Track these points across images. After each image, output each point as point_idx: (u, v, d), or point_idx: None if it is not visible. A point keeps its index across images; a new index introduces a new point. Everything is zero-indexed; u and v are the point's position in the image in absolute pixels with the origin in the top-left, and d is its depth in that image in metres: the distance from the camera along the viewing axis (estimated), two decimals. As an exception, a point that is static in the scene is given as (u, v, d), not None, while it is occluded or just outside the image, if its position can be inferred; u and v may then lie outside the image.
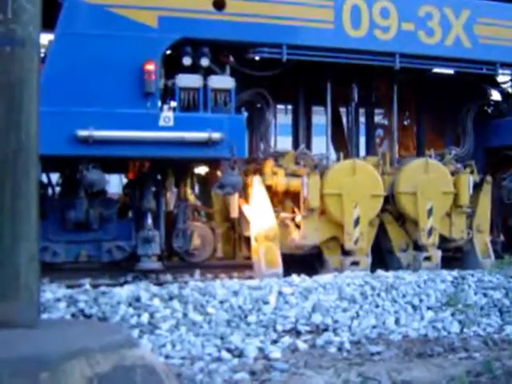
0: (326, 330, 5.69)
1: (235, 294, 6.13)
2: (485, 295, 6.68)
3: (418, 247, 8.50)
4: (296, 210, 8.31)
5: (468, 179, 8.65)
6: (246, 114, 7.95)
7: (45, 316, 5.23)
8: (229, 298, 6.02)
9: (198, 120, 7.29)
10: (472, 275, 7.16)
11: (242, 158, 7.63)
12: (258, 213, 8.07)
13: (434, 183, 8.42)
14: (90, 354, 3.12)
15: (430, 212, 8.34)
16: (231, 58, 7.82)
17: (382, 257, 8.71)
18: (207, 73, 7.50)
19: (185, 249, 8.14)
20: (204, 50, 7.45)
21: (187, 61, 7.37)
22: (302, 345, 5.33)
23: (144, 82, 7.07)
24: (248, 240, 8.52)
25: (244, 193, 8.25)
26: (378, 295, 6.48)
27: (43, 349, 3.12)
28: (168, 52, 7.42)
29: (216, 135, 7.17)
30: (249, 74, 7.85)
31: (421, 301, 6.48)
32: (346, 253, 8.13)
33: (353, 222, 7.99)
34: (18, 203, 3.39)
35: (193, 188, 8.71)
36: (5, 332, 3.35)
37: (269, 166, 8.29)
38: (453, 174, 8.68)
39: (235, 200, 8.27)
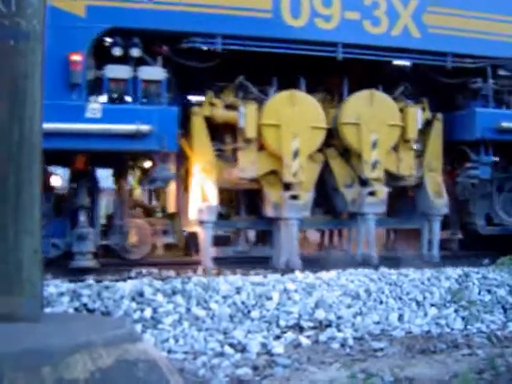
0: (329, 325, 5.68)
1: (238, 289, 6.13)
2: (489, 292, 6.67)
3: (364, 183, 8.25)
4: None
5: (416, 113, 8.40)
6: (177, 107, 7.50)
7: (48, 310, 5.23)
8: (232, 294, 6.02)
9: (126, 112, 7.10)
10: (477, 272, 7.15)
11: (173, 151, 7.39)
12: (195, 147, 7.86)
13: (380, 115, 8.14)
14: (93, 347, 3.12)
15: (374, 144, 8.07)
16: (166, 49, 7.55)
17: (328, 195, 8.52)
18: (142, 64, 7.31)
19: (121, 246, 7.94)
20: (135, 41, 7.24)
21: (117, 51, 7.18)
22: (304, 340, 5.33)
23: (70, 73, 6.87)
24: (190, 236, 8.40)
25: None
26: (382, 292, 6.47)
27: (46, 342, 3.12)
28: (98, 42, 7.18)
29: (145, 127, 6.97)
30: (184, 64, 7.61)
31: (424, 298, 6.46)
32: (286, 187, 7.89)
33: (292, 154, 7.72)
34: (21, 197, 3.39)
35: (140, 183, 8.56)
36: (8, 326, 3.35)
37: (208, 97, 8.01)
38: (402, 110, 8.38)
39: (172, 194, 8.14)
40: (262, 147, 7.94)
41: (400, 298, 6.39)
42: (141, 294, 5.83)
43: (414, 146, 8.54)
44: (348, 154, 8.33)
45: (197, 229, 7.93)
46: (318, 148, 8.06)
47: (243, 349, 5.10)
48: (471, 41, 8.40)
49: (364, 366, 4.70)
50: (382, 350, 5.17)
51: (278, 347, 5.10)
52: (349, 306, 6.06)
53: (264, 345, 5.17)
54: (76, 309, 5.66)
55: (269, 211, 7.94)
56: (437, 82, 8.72)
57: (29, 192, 3.40)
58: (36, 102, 3.47)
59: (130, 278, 7.36)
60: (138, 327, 5.23)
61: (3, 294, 3.39)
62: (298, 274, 6.82)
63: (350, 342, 5.35)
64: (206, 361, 4.78)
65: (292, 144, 7.70)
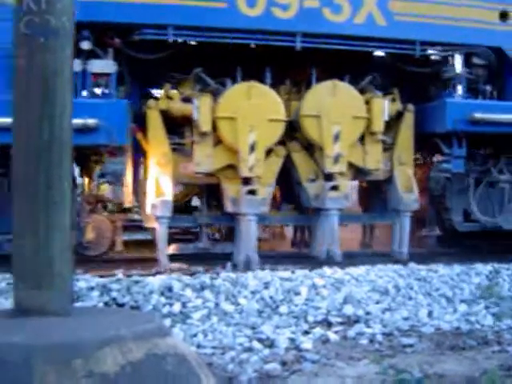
0: (357, 321, 5.67)
1: (267, 284, 6.15)
2: (519, 288, 6.62)
3: (328, 177, 7.98)
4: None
5: (382, 104, 8.06)
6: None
7: (78, 304, 5.29)
8: (260, 289, 6.04)
9: (74, 106, 7.03)
10: (507, 269, 7.09)
11: (123, 144, 7.25)
12: (150, 140, 7.74)
13: (342, 107, 7.83)
14: (123, 341, 3.15)
15: (336, 137, 7.77)
16: (117, 41, 7.46)
17: (293, 189, 8.34)
18: (94, 57, 7.25)
19: (77, 242, 7.81)
20: (85, 33, 7.14)
21: None
22: (333, 336, 5.32)
23: None
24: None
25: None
26: (411, 288, 6.45)
27: (76, 336, 3.16)
28: None
29: (92, 121, 6.85)
30: (135, 57, 7.49)
31: (454, 294, 6.43)
32: (245, 182, 7.69)
33: (248, 148, 7.51)
34: (51, 193, 3.42)
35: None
36: (38, 319, 3.39)
37: (164, 90, 7.88)
38: (368, 102, 8.08)
39: (128, 189, 8.00)
40: (219, 141, 7.77)
41: (429, 294, 6.37)
42: (170, 289, 5.88)
43: (382, 139, 8.20)
44: (312, 148, 8.10)
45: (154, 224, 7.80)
46: (278, 141, 7.84)
47: (271, 344, 5.10)
48: (441, 28, 8.03)
49: (393, 361, 4.68)
50: (411, 346, 5.14)
51: (306, 342, 5.10)
52: (377, 302, 6.05)
53: (292, 340, 5.17)
54: (106, 303, 5.73)
55: (228, 206, 7.76)
56: (409, 72, 8.40)
57: (59, 188, 3.44)
58: (66, 99, 3.50)
59: (158, 272, 7.42)
60: (167, 322, 5.28)
61: (34, 288, 3.43)
62: (326, 270, 6.82)
63: (379, 337, 5.33)
64: (235, 356, 4.80)
65: (248, 137, 7.49)
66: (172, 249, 8.68)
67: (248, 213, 7.52)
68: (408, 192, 8.18)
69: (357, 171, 8.21)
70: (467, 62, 8.26)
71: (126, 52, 7.47)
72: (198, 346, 5.01)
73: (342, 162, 7.80)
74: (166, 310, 5.57)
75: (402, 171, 8.30)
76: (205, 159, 7.64)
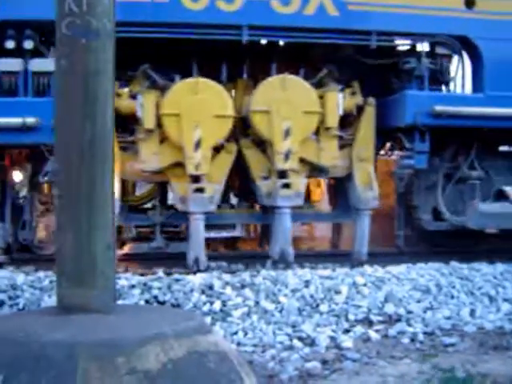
0: (398, 320, 5.63)
1: (307, 283, 6.14)
2: None
3: (281, 175, 7.51)
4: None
5: (336, 98, 7.55)
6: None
7: (120, 302, 5.35)
8: (300, 288, 6.03)
9: (14, 105, 6.88)
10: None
11: None
12: None
13: (293, 102, 7.37)
14: (165, 339, 3.17)
15: (286, 133, 7.32)
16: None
17: (249, 187, 7.94)
18: (39, 56, 7.08)
19: (30, 241, 7.75)
20: (28, 33, 7.00)
21: (10, 44, 6.95)
22: (374, 335, 5.30)
23: None
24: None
25: None
26: (453, 286, 6.38)
27: (119, 334, 3.19)
28: None
29: (31, 120, 6.72)
30: None
31: (497, 293, 6.34)
32: (194, 180, 7.34)
33: (193, 145, 7.14)
34: (94, 193, 3.47)
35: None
36: (82, 317, 3.44)
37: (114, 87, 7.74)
38: (323, 96, 7.59)
39: None
40: (165, 138, 7.45)
41: (472, 293, 6.28)
42: (210, 287, 5.90)
43: (338, 134, 7.74)
44: (264, 144, 7.73)
45: None
46: (230, 137, 7.52)
47: (312, 342, 5.10)
48: (399, 17, 7.56)
49: (435, 361, 4.64)
50: (453, 345, 5.09)
51: (347, 341, 5.09)
52: (419, 301, 5.99)
53: (333, 338, 5.16)
54: (147, 301, 5.77)
55: (177, 205, 7.51)
56: (370, 64, 7.93)
57: (101, 188, 3.48)
58: (108, 98, 3.54)
59: (198, 271, 7.46)
60: (208, 319, 5.30)
61: (77, 286, 3.48)
62: (366, 268, 6.78)
63: (421, 336, 5.29)
64: (275, 354, 4.81)
65: (194, 134, 7.13)
66: (126, 248, 8.62)
67: (195, 211, 7.26)
68: (367, 189, 7.75)
69: (312, 168, 7.78)
70: (430, 52, 7.77)
71: None
72: (238, 344, 5.03)
73: (293, 159, 7.37)
74: (206, 308, 5.59)
75: (362, 168, 7.84)
76: (151, 157, 7.32)
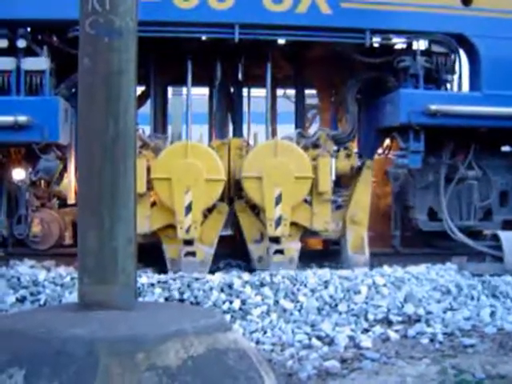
0: (418, 320, 5.62)
1: (326, 283, 6.14)
2: None
3: (274, 239, 7.40)
4: None
5: (329, 163, 7.46)
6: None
7: (140, 300, 5.38)
8: (320, 287, 6.03)
9: (6, 103, 6.92)
10: None
11: (55, 142, 7.03)
12: None
13: (285, 167, 7.24)
14: (185, 336, 3.19)
15: (278, 199, 7.23)
16: (54, 39, 7.30)
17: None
18: (31, 54, 7.12)
19: (25, 236, 7.81)
20: (21, 31, 7.04)
21: (3, 43, 7.02)
22: (393, 335, 5.29)
23: None
24: None
25: None
26: (474, 288, 6.35)
27: (139, 330, 3.21)
28: None
29: (23, 119, 6.75)
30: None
31: (517, 294, 6.31)
32: (185, 242, 7.27)
33: (184, 209, 7.06)
34: (116, 188, 3.50)
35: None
36: (103, 313, 3.46)
37: None
38: (315, 159, 7.53)
39: (71, 185, 7.80)
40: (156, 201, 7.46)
41: (493, 295, 6.25)
42: (230, 286, 5.92)
43: (331, 198, 7.64)
44: (257, 208, 7.60)
45: None
46: (223, 199, 7.48)
47: (331, 341, 5.11)
48: (394, 15, 7.49)
49: (454, 362, 4.62)
50: (472, 346, 5.07)
51: (366, 341, 5.08)
52: (438, 301, 5.97)
53: (352, 338, 5.17)
54: (166, 299, 5.81)
55: (168, 267, 7.29)
56: (366, 62, 7.84)
57: (124, 183, 3.51)
58: (130, 97, 3.56)
59: (219, 268, 7.49)
60: (227, 318, 5.32)
61: (99, 282, 3.51)
62: (386, 268, 6.77)
63: (440, 337, 5.27)
64: (294, 352, 4.82)
65: (184, 198, 7.06)
66: None
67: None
68: (358, 254, 7.62)
69: (305, 231, 7.67)
70: (426, 51, 7.70)
71: (66, 49, 7.26)
72: (258, 343, 5.05)
73: (284, 225, 7.24)
74: (225, 306, 5.62)
75: (355, 231, 7.74)
76: (142, 220, 7.07)
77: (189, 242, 7.23)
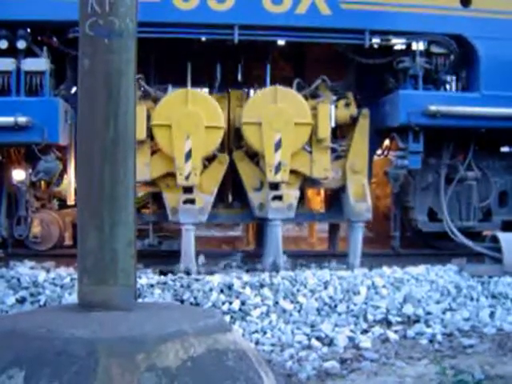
0: (417, 321, 5.63)
1: (326, 283, 6.15)
2: None
3: (274, 186, 7.42)
4: None
5: (328, 110, 7.50)
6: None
7: (139, 300, 5.38)
8: (319, 288, 6.04)
9: (6, 104, 6.93)
10: None
11: (55, 142, 7.04)
12: None
13: (284, 113, 7.27)
14: (185, 336, 3.20)
15: (277, 145, 7.26)
16: (54, 39, 7.30)
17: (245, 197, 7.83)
18: (32, 55, 7.13)
19: (25, 237, 7.83)
20: (21, 32, 7.06)
21: (3, 44, 7.03)
22: (392, 335, 5.30)
23: None
24: None
25: None
26: (473, 288, 6.36)
27: (139, 330, 3.22)
28: None
29: (22, 119, 6.77)
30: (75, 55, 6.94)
31: (517, 295, 6.32)
32: (185, 190, 7.28)
33: (184, 156, 7.10)
34: (116, 190, 3.51)
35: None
36: (103, 314, 3.47)
37: None
38: (315, 107, 7.50)
39: (71, 186, 7.77)
40: (157, 149, 7.45)
41: (492, 296, 6.26)
42: (229, 287, 5.93)
43: (331, 146, 7.64)
44: (257, 156, 7.63)
45: None
46: (217, 148, 7.44)
47: (330, 342, 5.11)
48: (393, 16, 7.49)
49: (453, 362, 4.63)
50: (471, 346, 5.08)
51: (365, 341, 5.09)
52: (438, 302, 5.98)
53: (351, 339, 5.17)
54: (165, 299, 5.81)
55: (168, 215, 7.38)
56: (366, 63, 7.79)
57: (124, 185, 3.52)
58: (130, 98, 3.57)
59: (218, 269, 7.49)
60: (227, 318, 5.33)
61: (99, 283, 3.52)
62: (385, 269, 6.77)
63: (439, 337, 5.28)
64: (294, 353, 4.83)
65: (184, 145, 7.10)
66: None
67: (185, 222, 7.19)
68: (360, 201, 7.63)
69: (304, 179, 7.70)
70: (425, 51, 7.66)
71: (66, 50, 7.30)
72: (257, 343, 5.06)
73: (284, 171, 7.30)
74: (225, 307, 5.62)
75: (355, 180, 7.74)
76: (142, 168, 7.11)
77: (188, 190, 7.28)
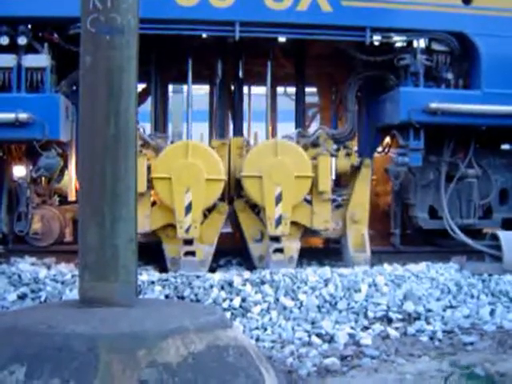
0: (418, 318, 5.62)
1: (326, 281, 6.15)
2: None
3: (275, 238, 7.39)
4: None
5: (329, 162, 7.51)
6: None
7: (140, 297, 5.39)
8: (320, 285, 6.04)
9: (7, 100, 6.93)
10: None
11: (56, 139, 7.02)
12: None
13: (285, 166, 7.25)
14: (185, 333, 3.21)
15: (278, 198, 7.24)
16: (55, 36, 7.30)
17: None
18: (32, 52, 7.13)
19: (25, 233, 7.83)
20: (22, 29, 7.06)
21: (4, 40, 7.02)
22: (393, 332, 5.30)
23: None
24: None
25: None
26: (473, 286, 6.36)
27: (140, 327, 3.23)
28: None
29: (23, 116, 6.76)
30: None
31: (517, 293, 6.32)
32: (185, 242, 7.26)
33: (184, 209, 7.08)
34: (117, 186, 3.51)
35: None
36: (104, 310, 3.48)
37: None
38: (315, 158, 7.53)
39: (72, 182, 7.79)
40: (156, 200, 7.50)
41: (492, 294, 6.26)
42: (230, 284, 5.93)
43: (331, 197, 7.62)
44: (257, 207, 7.60)
45: None
46: (223, 198, 7.49)
47: (331, 339, 5.11)
48: (394, 13, 7.46)
49: (454, 359, 4.63)
50: (472, 344, 5.08)
51: (365, 338, 5.09)
52: (438, 299, 5.98)
53: (352, 335, 5.17)
54: (167, 296, 5.82)
55: (168, 266, 7.28)
56: (366, 60, 7.79)
57: (125, 182, 3.52)
58: (131, 94, 3.58)
59: (219, 266, 7.50)
60: (227, 315, 5.32)
61: (100, 279, 3.52)
62: (386, 267, 6.78)
63: (439, 335, 5.28)
64: (294, 350, 4.82)
65: (184, 198, 7.07)
66: None
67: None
68: (360, 251, 7.61)
69: (305, 230, 7.67)
70: (426, 49, 7.67)
71: (68, 47, 7.23)
72: (258, 340, 5.05)
73: (285, 224, 7.25)
74: (225, 304, 5.62)
75: (355, 230, 7.75)
76: (143, 219, 7.02)
77: (188, 242, 7.23)
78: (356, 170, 7.83)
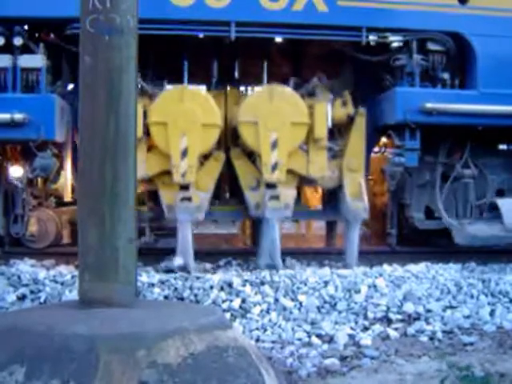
0: (417, 318, 5.63)
1: (326, 282, 6.15)
2: None
3: (271, 186, 7.38)
4: None
5: (325, 109, 7.46)
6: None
7: (140, 298, 5.39)
8: (320, 286, 6.04)
9: (2, 101, 6.90)
10: None
11: (51, 139, 6.99)
12: None
13: (281, 112, 7.25)
14: (185, 333, 3.21)
15: (274, 145, 7.24)
16: (52, 36, 7.31)
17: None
18: (28, 52, 7.10)
19: (21, 235, 7.82)
20: (17, 29, 7.04)
21: None
22: (392, 333, 5.30)
23: None
24: None
25: None
26: (473, 286, 6.36)
27: (140, 327, 3.23)
28: None
29: (19, 116, 6.74)
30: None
31: (517, 293, 6.32)
32: (181, 188, 7.23)
33: (180, 154, 7.08)
34: (117, 187, 3.51)
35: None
36: (104, 311, 3.48)
37: None
38: (312, 106, 7.46)
39: (68, 183, 7.79)
40: (153, 146, 7.41)
41: (492, 294, 6.26)
42: (229, 285, 5.93)
43: (327, 145, 7.60)
44: (253, 155, 7.59)
45: None
46: (214, 146, 7.43)
47: (330, 340, 5.12)
48: (390, 13, 7.45)
49: (453, 359, 4.63)
50: (472, 344, 5.08)
51: (365, 339, 5.10)
52: (438, 300, 5.98)
53: (351, 336, 5.18)
54: (166, 297, 5.82)
55: (165, 212, 7.35)
56: (363, 60, 7.76)
57: (124, 182, 3.52)
58: (131, 95, 3.57)
59: (218, 266, 7.49)
60: (227, 316, 5.33)
61: (99, 280, 3.52)
62: (386, 267, 6.78)
63: (439, 335, 5.29)
64: (294, 350, 4.83)
65: (180, 142, 7.07)
66: None
67: (182, 220, 7.16)
68: (357, 200, 7.58)
69: (301, 179, 7.69)
70: (422, 49, 7.61)
71: (66, 47, 7.22)
72: (257, 340, 5.06)
73: (280, 171, 7.27)
74: (225, 305, 5.62)
75: (352, 179, 7.69)
76: (139, 164, 6.98)
77: (185, 188, 7.25)
78: (351, 119, 7.78)
